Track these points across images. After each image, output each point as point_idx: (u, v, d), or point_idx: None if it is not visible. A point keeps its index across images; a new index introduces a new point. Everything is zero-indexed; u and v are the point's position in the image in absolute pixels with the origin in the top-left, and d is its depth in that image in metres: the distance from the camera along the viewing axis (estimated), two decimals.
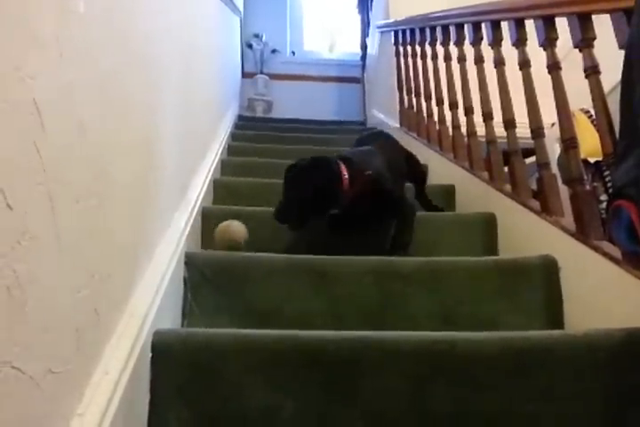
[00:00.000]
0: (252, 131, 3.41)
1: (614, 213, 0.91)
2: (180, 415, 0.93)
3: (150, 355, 0.94)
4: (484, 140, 1.91)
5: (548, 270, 1.37)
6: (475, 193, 1.94)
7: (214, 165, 2.19)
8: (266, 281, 1.32)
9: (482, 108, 1.89)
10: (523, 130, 1.65)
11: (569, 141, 1.37)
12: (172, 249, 1.23)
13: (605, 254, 1.20)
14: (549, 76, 1.46)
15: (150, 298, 1.00)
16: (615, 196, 0.91)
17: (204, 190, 1.84)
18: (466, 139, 2.06)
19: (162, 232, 1.22)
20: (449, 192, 2.11)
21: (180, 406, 0.93)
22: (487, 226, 1.72)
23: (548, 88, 1.46)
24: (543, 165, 1.49)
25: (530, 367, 1.00)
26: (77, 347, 0.64)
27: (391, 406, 0.96)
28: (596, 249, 1.23)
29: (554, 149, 2.36)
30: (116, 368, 0.75)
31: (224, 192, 2.05)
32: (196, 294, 1.30)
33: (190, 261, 1.32)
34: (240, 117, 4.14)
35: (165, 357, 0.96)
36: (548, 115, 1.54)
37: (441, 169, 2.29)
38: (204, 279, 1.31)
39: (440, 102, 2.40)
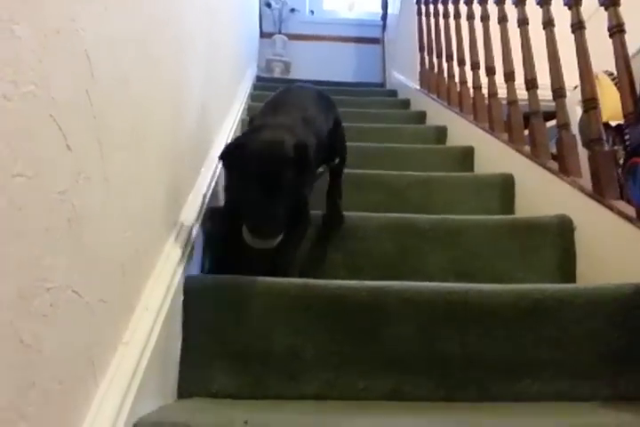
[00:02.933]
0: (270, 92, 3.41)
1: (630, 170, 0.94)
2: (209, 351, 1.00)
3: (182, 297, 1.01)
4: (504, 101, 1.91)
5: (563, 230, 1.41)
6: (494, 154, 1.95)
7: (235, 123, 2.22)
8: None
9: (504, 68, 1.88)
10: (544, 92, 1.65)
11: (589, 102, 1.38)
12: (198, 203, 1.29)
13: (620, 213, 1.22)
14: (573, 37, 1.46)
15: (182, 246, 1.07)
16: (632, 154, 0.93)
17: None
18: (487, 100, 2.05)
19: (189, 187, 1.27)
20: (467, 154, 2.13)
21: (210, 343, 1.00)
22: (505, 186, 1.75)
23: (572, 50, 1.46)
24: (563, 125, 1.50)
25: (541, 317, 1.05)
26: (123, 281, 0.70)
27: (406, 350, 1.02)
28: (612, 208, 1.25)
29: (575, 112, 2.34)
30: (155, 305, 0.81)
31: None
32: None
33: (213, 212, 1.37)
34: (258, 78, 4.12)
35: (196, 299, 1.02)
36: (571, 78, 1.54)
37: (460, 131, 2.30)
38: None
39: (462, 63, 2.38)
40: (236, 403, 0.96)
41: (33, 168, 0.44)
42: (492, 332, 1.04)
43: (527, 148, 1.73)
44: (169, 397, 0.89)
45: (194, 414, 0.84)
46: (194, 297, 1.03)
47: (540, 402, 1.00)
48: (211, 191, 1.44)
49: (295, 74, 4.81)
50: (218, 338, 1.01)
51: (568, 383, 1.02)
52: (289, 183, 1.02)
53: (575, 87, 2.02)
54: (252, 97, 3.19)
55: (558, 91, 1.52)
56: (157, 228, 0.93)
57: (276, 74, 4.85)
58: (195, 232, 1.19)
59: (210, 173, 1.52)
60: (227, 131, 2.00)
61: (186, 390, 0.97)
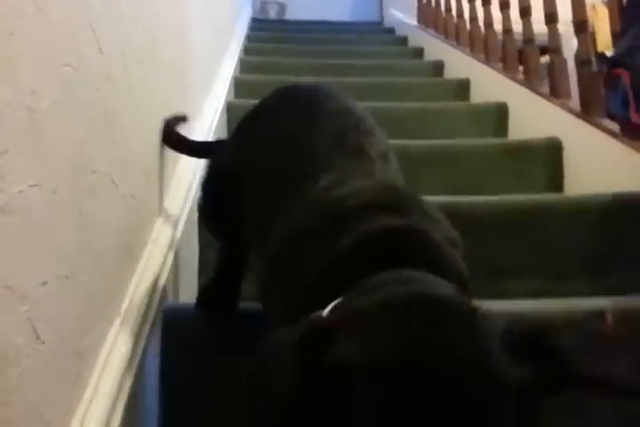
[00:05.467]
0: (266, 32, 3.40)
1: (613, 82, 1.00)
2: None
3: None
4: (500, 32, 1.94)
5: (552, 151, 1.48)
6: (489, 84, 2.00)
7: (234, 62, 2.26)
8: None
9: None
10: (540, 26, 1.67)
11: (579, 24, 1.41)
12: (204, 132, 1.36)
13: (605, 130, 1.29)
14: None
15: (192, 172, 1.15)
16: (614, 65, 0.99)
17: (227, 85, 1.93)
18: (483, 30, 2.08)
19: (196, 114, 1.35)
20: (464, 86, 2.17)
21: None
22: (499, 114, 1.81)
23: None
24: (555, 50, 1.55)
25: (527, 224, 1.14)
26: (146, 188, 0.78)
27: None
28: (598, 126, 1.32)
29: (572, 46, 2.36)
30: (175, 212, 0.91)
31: (244, 89, 2.13)
32: None
33: None
34: (253, 20, 4.07)
35: None
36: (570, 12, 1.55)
37: (457, 63, 2.33)
38: None
39: None
40: None
41: (76, 60, 0.51)
42: (483, 239, 1.14)
43: (521, 75, 1.77)
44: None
45: None
46: None
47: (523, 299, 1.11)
48: (215, 123, 1.51)
49: (291, 15, 4.73)
50: None
51: (551, 284, 1.13)
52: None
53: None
54: (249, 38, 3.18)
55: (550, 15, 1.55)
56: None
57: (272, 15, 4.77)
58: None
59: (213, 107, 1.59)
60: (226, 69, 2.04)
61: None
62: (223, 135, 1.65)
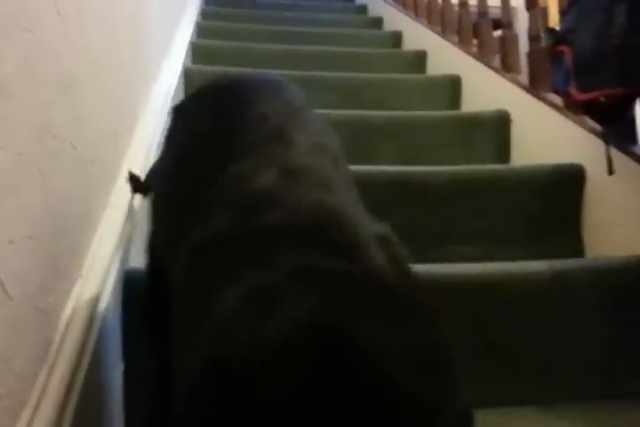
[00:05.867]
0: None
1: (556, 57, 1.06)
2: None
3: None
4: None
5: (501, 123, 1.55)
6: (444, 57, 2.04)
7: (192, 27, 2.21)
8: None
9: None
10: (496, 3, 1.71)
11: (530, 0, 1.46)
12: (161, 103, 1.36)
13: (551, 104, 1.36)
14: None
15: (151, 136, 1.15)
16: (558, 42, 1.05)
17: (184, 50, 1.90)
18: (440, 2, 2.10)
19: (154, 77, 1.34)
20: (420, 58, 2.20)
21: None
22: (453, 86, 1.86)
23: None
24: (506, 24, 1.59)
25: (474, 193, 1.21)
26: (105, 152, 0.79)
27: None
28: (544, 100, 1.39)
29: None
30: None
31: (202, 54, 2.10)
32: None
33: None
34: None
35: None
36: None
37: (415, 34, 2.35)
38: None
39: None
40: None
41: (36, 25, 0.52)
42: (433, 206, 1.20)
43: (475, 49, 1.82)
44: None
45: None
46: None
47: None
48: (174, 88, 1.50)
49: None
50: None
51: (495, 249, 1.20)
52: None
53: None
54: (207, 1, 3.10)
55: None
56: (130, 109, 1.02)
57: None
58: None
59: (171, 71, 1.57)
60: (184, 33, 2.01)
61: None
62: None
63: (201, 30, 2.39)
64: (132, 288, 0.82)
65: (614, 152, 1.06)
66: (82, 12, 0.71)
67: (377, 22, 2.83)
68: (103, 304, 0.73)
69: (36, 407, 0.51)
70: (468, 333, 0.86)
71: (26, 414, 0.50)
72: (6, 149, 0.45)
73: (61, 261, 0.63)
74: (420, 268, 0.90)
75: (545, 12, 1.49)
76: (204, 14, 2.71)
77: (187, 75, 1.79)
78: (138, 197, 0.90)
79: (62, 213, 0.62)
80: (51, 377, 0.56)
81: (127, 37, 1.04)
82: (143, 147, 1.07)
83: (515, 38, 1.59)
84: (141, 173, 0.94)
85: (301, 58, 2.06)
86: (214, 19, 2.66)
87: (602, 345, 0.89)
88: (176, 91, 1.55)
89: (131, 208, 0.87)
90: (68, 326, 0.63)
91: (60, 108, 0.60)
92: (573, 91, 0.94)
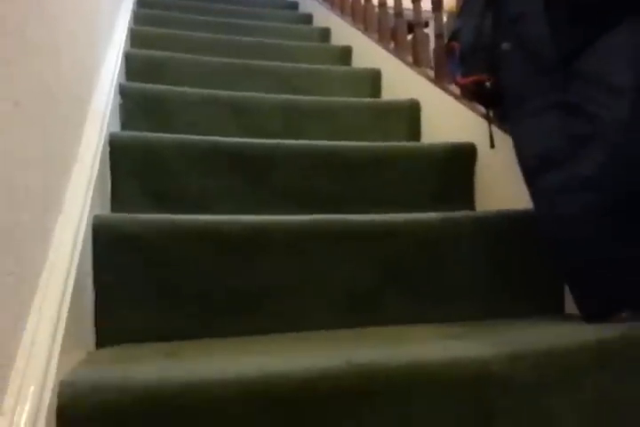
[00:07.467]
0: None
1: (450, 51, 1.30)
2: (133, 191, 1.28)
3: (109, 149, 1.26)
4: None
5: (412, 110, 1.79)
6: (367, 52, 2.27)
7: (129, 14, 2.32)
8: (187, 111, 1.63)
9: None
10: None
11: (436, 3, 1.71)
12: (109, 78, 1.49)
13: (452, 94, 1.61)
14: None
15: (103, 107, 1.29)
16: (451, 39, 1.29)
17: (125, 36, 2.02)
18: (363, 2, 2.33)
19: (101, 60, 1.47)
20: (346, 52, 2.42)
21: (134, 185, 1.28)
22: (373, 78, 2.09)
23: None
24: (417, 24, 1.84)
25: (387, 165, 1.43)
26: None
27: (294, 186, 1.36)
28: (446, 90, 1.64)
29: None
30: (90, 153, 1.07)
31: (139, 40, 2.21)
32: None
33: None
34: None
35: (121, 151, 1.28)
36: None
37: (341, 31, 2.57)
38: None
39: None
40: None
41: None
42: (352, 176, 1.41)
43: (393, 45, 2.06)
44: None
45: None
46: (119, 149, 1.28)
47: None
48: (118, 70, 1.63)
49: None
50: (141, 181, 1.29)
51: (404, 211, 1.43)
52: None
53: None
54: None
55: None
56: (86, 83, 1.16)
57: None
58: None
59: (114, 55, 1.70)
60: (123, 19, 2.12)
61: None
62: (123, 83, 1.77)
63: (138, 18, 2.49)
64: (102, 230, 0.97)
65: (495, 130, 1.31)
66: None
67: (307, 19, 3.04)
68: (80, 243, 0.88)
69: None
70: (376, 269, 1.07)
71: None
72: None
73: (45, 207, 0.78)
74: (338, 217, 1.11)
75: (454, 11, 1.74)
76: (141, 3, 2.81)
77: (128, 58, 1.91)
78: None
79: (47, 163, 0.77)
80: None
81: (85, 26, 1.17)
82: (98, 117, 1.23)
83: (424, 36, 1.83)
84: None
85: (237, 48, 2.23)
86: (149, 8, 2.77)
87: (481, 277, 1.14)
88: (119, 73, 1.68)
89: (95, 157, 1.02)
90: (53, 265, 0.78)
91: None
92: (458, 77, 1.18)
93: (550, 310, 1.15)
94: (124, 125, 1.53)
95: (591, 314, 0.96)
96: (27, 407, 0.55)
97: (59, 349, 0.66)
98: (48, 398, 0.60)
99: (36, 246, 0.72)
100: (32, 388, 0.57)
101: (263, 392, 0.72)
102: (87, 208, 0.91)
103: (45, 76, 0.80)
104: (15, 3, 0.67)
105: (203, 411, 0.69)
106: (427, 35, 1.86)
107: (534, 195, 1.04)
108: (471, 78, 1.12)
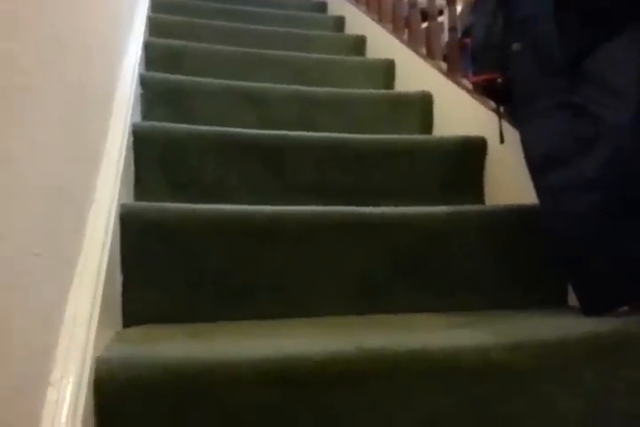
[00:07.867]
0: None
1: (463, 47, 1.33)
2: (155, 179, 1.33)
3: (132, 139, 1.31)
4: None
5: (424, 103, 1.83)
6: (381, 42, 2.29)
7: (147, 2, 2.35)
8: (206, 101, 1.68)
9: None
10: None
11: None
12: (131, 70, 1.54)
13: (464, 87, 1.65)
14: None
15: (127, 99, 1.34)
16: (464, 35, 1.32)
17: (144, 24, 2.06)
18: None
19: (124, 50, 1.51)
20: (360, 42, 2.44)
21: (156, 173, 1.33)
22: (387, 69, 2.12)
23: None
24: (432, 16, 1.86)
25: (398, 157, 1.47)
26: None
27: (308, 178, 1.41)
28: (458, 84, 1.67)
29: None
30: (116, 146, 1.12)
31: (157, 29, 2.25)
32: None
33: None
34: None
35: (143, 140, 1.33)
36: None
37: (356, 20, 2.59)
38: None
39: None
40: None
41: None
42: (365, 168, 1.46)
43: (407, 36, 2.08)
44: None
45: None
46: (142, 138, 1.33)
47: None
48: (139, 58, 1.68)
49: None
50: (164, 169, 1.34)
51: (415, 203, 1.48)
52: None
53: None
54: None
55: None
56: (107, 71, 1.20)
57: None
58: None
59: (136, 44, 1.74)
60: (142, 8, 2.16)
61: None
62: (143, 73, 1.81)
63: (155, 6, 2.52)
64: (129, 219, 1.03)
65: (506, 125, 1.35)
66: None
67: (322, 7, 3.05)
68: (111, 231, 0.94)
69: None
70: (386, 260, 1.13)
71: None
72: None
73: (76, 198, 0.84)
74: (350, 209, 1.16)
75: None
76: None
77: (147, 47, 1.95)
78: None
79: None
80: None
81: (111, 22, 1.22)
82: (123, 109, 1.28)
83: (438, 28, 1.86)
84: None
85: (253, 36, 2.26)
86: None
87: (488, 270, 1.19)
88: (141, 63, 1.73)
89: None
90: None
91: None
92: (470, 74, 1.22)
93: (553, 301, 1.20)
94: (144, 115, 1.58)
95: (590, 308, 1.01)
96: (71, 379, 0.61)
97: (95, 328, 0.72)
98: (87, 372, 0.66)
99: (74, 233, 0.77)
100: (74, 363, 0.63)
101: (279, 372, 0.78)
102: (116, 197, 0.97)
103: (83, 79, 0.85)
104: (56, 14, 0.72)
105: (223, 387, 0.76)
106: (441, 25, 1.88)
107: (540, 191, 1.09)
108: (482, 77, 1.16)
